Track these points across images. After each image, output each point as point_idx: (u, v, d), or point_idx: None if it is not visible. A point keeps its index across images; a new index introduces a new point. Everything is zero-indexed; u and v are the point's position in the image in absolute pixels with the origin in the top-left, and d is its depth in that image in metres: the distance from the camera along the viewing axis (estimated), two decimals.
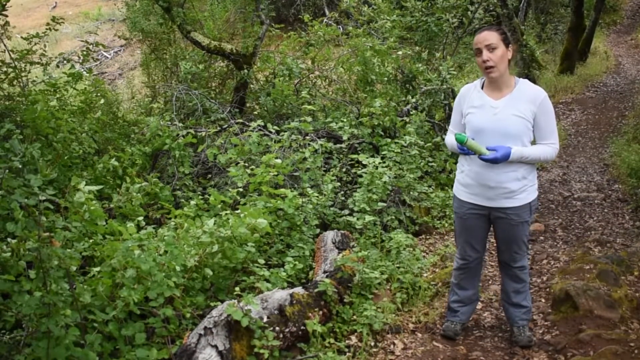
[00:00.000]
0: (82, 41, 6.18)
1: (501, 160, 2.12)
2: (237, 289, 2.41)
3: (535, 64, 9.65)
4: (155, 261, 2.18)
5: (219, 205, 3.10)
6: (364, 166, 3.71)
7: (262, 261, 2.67)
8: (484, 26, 2.26)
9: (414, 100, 5.13)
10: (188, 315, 2.26)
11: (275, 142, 3.93)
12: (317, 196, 3.44)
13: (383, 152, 4.06)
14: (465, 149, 2.16)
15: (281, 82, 5.20)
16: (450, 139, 2.36)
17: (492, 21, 7.43)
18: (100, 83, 4.38)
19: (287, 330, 2.25)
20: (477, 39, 2.17)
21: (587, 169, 5.72)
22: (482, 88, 2.27)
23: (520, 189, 2.21)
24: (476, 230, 2.36)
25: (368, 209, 3.38)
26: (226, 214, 2.82)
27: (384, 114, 4.60)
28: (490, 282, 3.15)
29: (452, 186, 4.52)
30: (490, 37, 2.14)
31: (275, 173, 3.32)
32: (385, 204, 3.60)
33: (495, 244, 2.46)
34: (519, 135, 2.15)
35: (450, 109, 5.43)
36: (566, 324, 2.55)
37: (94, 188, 2.50)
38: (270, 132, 4.07)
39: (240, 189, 3.29)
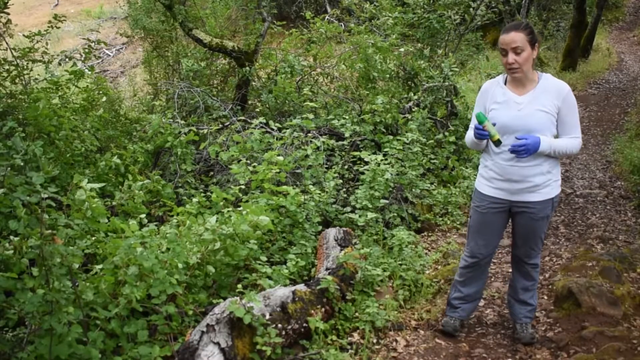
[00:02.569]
0: (84, 39, 6.19)
1: (532, 148, 2.08)
2: (239, 286, 2.41)
3: (537, 60, 9.61)
4: (158, 258, 2.18)
5: (221, 203, 3.10)
6: (366, 163, 3.70)
7: (264, 258, 2.67)
8: (513, 22, 2.21)
9: (416, 97, 5.11)
10: (190, 312, 2.26)
11: (277, 139, 3.93)
12: (319, 193, 3.44)
13: (385, 149, 4.05)
14: (482, 132, 2.13)
15: (283, 79, 5.19)
16: (469, 135, 2.32)
17: (495, 18, 7.40)
18: (102, 81, 4.37)
19: (289, 327, 2.25)
20: (504, 39, 2.12)
21: (589, 166, 5.71)
22: (505, 84, 2.25)
23: (544, 183, 2.20)
24: (494, 226, 2.33)
25: (370, 206, 3.37)
26: (228, 211, 2.82)
27: (386, 111, 4.59)
28: (492, 280, 3.15)
29: (454, 183, 4.53)
30: (517, 38, 2.10)
31: (277, 170, 3.32)
32: (387, 201, 3.60)
33: (503, 242, 2.45)
34: (543, 131, 2.14)
35: (452, 106, 5.43)
36: (569, 321, 2.54)
37: (96, 186, 2.50)
38: (272, 129, 4.06)
39: (242, 187, 3.29)
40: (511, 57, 2.11)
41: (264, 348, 2.06)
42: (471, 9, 6.76)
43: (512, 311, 2.49)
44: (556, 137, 2.20)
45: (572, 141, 2.19)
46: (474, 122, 2.32)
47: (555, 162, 2.23)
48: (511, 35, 2.11)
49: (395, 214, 3.71)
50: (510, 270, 2.56)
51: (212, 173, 4.19)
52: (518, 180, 2.20)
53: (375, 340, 2.44)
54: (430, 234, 3.86)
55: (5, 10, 3.92)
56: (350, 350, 2.33)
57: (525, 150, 2.09)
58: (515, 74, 2.15)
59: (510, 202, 2.26)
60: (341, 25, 7.01)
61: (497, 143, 2.14)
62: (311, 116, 4.04)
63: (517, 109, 2.17)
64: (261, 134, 3.83)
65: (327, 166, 4.02)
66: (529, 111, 2.15)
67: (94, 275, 2.26)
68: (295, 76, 5.41)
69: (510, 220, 2.37)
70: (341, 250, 2.93)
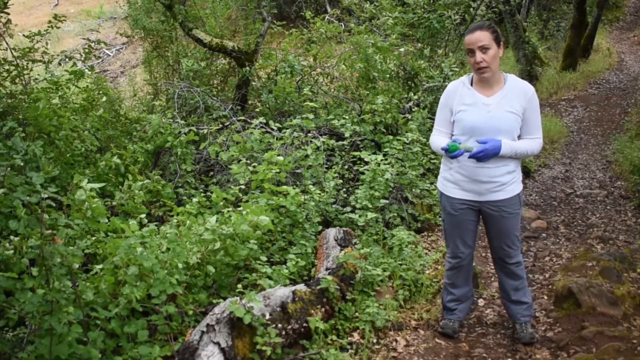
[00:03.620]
0: (84, 39, 6.18)
1: (491, 153, 2.12)
2: (239, 286, 2.41)
3: (537, 60, 9.61)
4: (158, 258, 2.18)
5: (221, 203, 3.10)
6: (366, 163, 3.70)
7: (264, 258, 2.67)
8: (476, 23, 2.24)
9: (416, 97, 5.11)
10: (190, 312, 2.26)
11: (277, 139, 3.93)
12: (319, 193, 3.44)
13: (385, 149, 4.05)
14: (460, 152, 2.15)
15: (283, 79, 5.19)
16: (435, 140, 2.34)
17: (495, 18, 7.39)
18: (102, 81, 4.38)
19: (289, 327, 2.25)
20: (470, 39, 2.15)
21: (589, 166, 5.71)
22: (471, 85, 2.26)
23: (509, 182, 2.25)
24: (468, 225, 2.36)
25: (370, 206, 3.37)
26: (228, 211, 2.82)
27: (386, 111, 4.58)
28: (492, 279, 3.15)
29: None
30: (483, 37, 2.12)
31: (278, 170, 3.32)
32: (387, 201, 3.59)
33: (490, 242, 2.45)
34: (511, 132, 2.18)
35: None
36: (568, 321, 2.54)
37: (96, 186, 2.50)
38: (272, 129, 4.06)
39: (242, 187, 3.29)
40: (479, 55, 2.12)
41: (264, 348, 2.06)
42: (471, 9, 6.76)
43: (510, 312, 2.50)
44: (519, 136, 2.24)
45: (533, 142, 2.23)
46: (440, 124, 2.34)
47: (518, 161, 2.29)
48: (476, 34, 2.13)
49: (395, 214, 3.71)
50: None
51: (212, 173, 4.19)
52: (485, 182, 2.23)
53: (375, 340, 2.44)
54: (430, 234, 3.86)
55: (5, 10, 3.92)
56: (350, 350, 2.33)
57: (484, 155, 2.13)
58: (484, 73, 2.16)
59: (479, 203, 2.28)
60: (341, 25, 7.01)
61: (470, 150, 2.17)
62: (311, 116, 4.04)
63: (487, 111, 2.18)
64: (261, 134, 3.83)
65: (327, 166, 4.02)
66: (498, 113, 2.17)
67: (94, 275, 2.26)
68: (295, 76, 5.41)
69: (483, 224, 2.40)
70: (341, 250, 2.93)
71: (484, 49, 2.12)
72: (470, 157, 2.14)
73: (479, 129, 2.17)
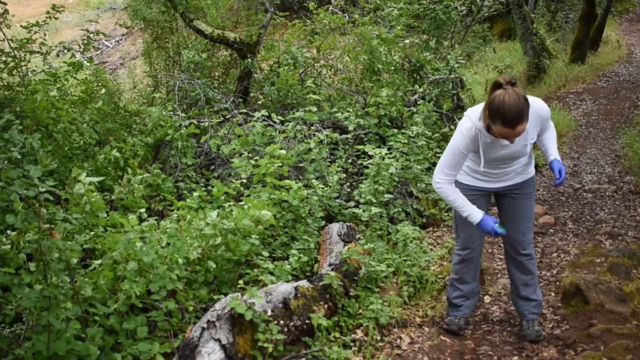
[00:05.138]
0: (82, 30, 6.11)
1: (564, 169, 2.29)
2: (240, 282, 2.38)
3: (545, 53, 9.48)
4: (158, 254, 2.16)
5: (222, 197, 3.07)
6: (370, 157, 3.65)
7: (266, 254, 2.64)
8: (514, 109, 1.97)
9: (421, 89, 5.04)
10: (191, 308, 2.23)
11: (279, 132, 3.88)
12: (323, 188, 3.40)
13: (390, 143, 4.00)
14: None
15: (286, 71, 5.13)
16: (456, 194, 2.23)
17: (502, 9, 7.27)
18: (101, 73, 4.34)
19: (291, 324, 2.22)
20: (515, 132, 1.98)
21: (598, 161, 5.63)
22: (487, 131, 2.13)
23: (524, 168, 2.33)
24: (480, 209, 2.34)
25: (374, 200, 3.33)
26: (230, 205, 2.79)
27: (391, 103, 4.52)
28: (499, 276, 3.11)
29: None
30: (524, 125, 1.99)
31: (280, 164, 3.27)
32: (391, 196, 3.55)
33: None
34: (526, 154, 2.27)
35: (459, 99, 5.34)
36: (576, 319, 2.51)
37: (95, 179, 2.47)
38: (275, 122, 4.01)
39: (244, 181, 3.25)
40: (515, 140, 2.08)
41: (265, 345, 2.04)
42: (478, 0, 6.65)
43: (518, 308, 2.47)
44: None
45: (554, 135, 2.33)
46: (452, 169, 2.21)
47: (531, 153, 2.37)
48: (519, 129, 1.99)
49: (400, 209, 3.66)
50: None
51: (213, 167, 4.16)
52: (507, 172, 2.31)
53: (379, 337, 2.41)
54: (435, 230, 3.82)
55: (3, 1, 3.88)
56: (353, 348, 2.30)
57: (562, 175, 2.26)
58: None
59: (494, 189, 2.34)
60: (345, 16, 6.90)
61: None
62: (314, 109, 3.99)
63: (504, 145, 2.18)
64: (263, 127, 3.79)
65: (330, 160, 3.98)
66: (518, 147, 2.19)
67: (92, 270, 2.24)
68: (298, 68, 5.34)
69: (498, 211, 2.43)
70: (344, 245, 2.89)
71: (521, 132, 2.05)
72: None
73: (499, 159, 2.24)
